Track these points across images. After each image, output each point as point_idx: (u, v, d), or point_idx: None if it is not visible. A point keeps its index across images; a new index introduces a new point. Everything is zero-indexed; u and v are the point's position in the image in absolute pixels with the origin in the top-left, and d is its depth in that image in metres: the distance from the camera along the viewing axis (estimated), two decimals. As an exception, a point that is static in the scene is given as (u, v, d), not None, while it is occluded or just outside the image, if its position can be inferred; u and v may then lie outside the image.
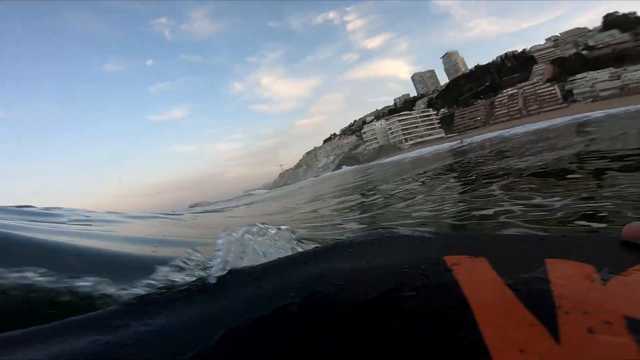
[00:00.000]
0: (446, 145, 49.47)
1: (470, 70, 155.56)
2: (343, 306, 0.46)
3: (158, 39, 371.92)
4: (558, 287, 0.39)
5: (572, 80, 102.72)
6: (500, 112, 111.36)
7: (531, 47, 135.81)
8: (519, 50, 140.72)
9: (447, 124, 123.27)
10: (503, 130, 49.73)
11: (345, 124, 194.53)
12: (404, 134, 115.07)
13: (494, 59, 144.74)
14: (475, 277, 0.45)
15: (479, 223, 2.80)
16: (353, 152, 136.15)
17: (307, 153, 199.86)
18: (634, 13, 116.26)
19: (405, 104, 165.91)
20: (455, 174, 7.21)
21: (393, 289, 0.46)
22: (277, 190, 59.11)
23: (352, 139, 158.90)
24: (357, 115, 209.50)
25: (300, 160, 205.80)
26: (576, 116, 37.21)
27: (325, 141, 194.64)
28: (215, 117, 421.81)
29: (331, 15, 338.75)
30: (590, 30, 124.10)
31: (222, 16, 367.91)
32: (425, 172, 9.77)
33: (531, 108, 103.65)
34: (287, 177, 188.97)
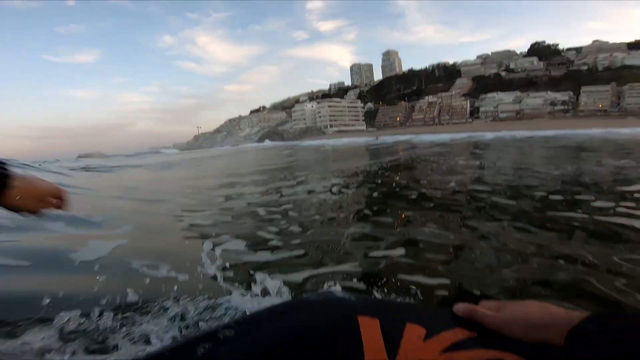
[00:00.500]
0: (362, 140, 52.91)
1: (404, 72, 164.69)
2: None
3: None
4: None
5: (483, 97, 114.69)
6: (417, 117, 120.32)
7: (461, 62, 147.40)
8: (450, 62, 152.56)
9: (370, 118, 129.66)
10: (413, 135, 54.69)
11: (277, 99, 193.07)
12: (330, 120, 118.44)
13: (426, 66, 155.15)
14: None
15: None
16: (279, 127, 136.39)
17: (230, 120, 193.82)
18: (557, 45, 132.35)
19: (339, 92, 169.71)
20: (369, 185, 7.17)
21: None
22: (190, 153, 55.25)
23: (282, 115, 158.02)
24: (291, 92, 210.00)
25: (221, 125, 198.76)
26: (473, 134, 42.16)
27: (252, 112, 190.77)
28: (129, 66, 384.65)
29: None
30: (517, 54, 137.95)
31: None
32: (342, 172, 9.94)
33: (443, 118, 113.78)
34: (203, 140, 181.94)
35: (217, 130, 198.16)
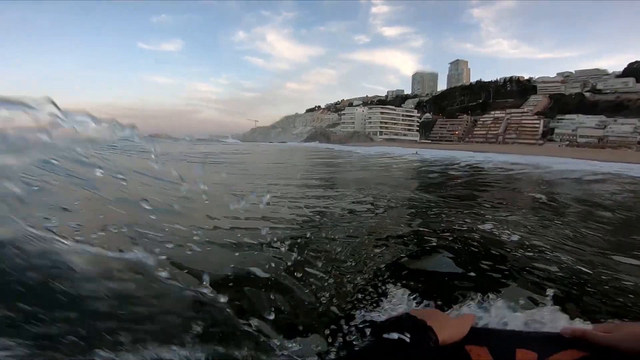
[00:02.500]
0: (397, 151, 45.02)
1: (470, 83, 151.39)
2: None
3: None
4: None
5: (559, 118, 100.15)
6: (478, 132, 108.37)
7: (538, 77, 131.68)
8: (526, 77, 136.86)
9: (426, 129, 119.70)
10: (469, 152, 46.18)
11: (333, 101, 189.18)
12: (380, 127, 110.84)
13: (497, 78, 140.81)
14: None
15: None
16: (326, 129, 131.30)
17: (287, 117, 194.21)
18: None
19: (396, 100, 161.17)
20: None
21: None
22: (250, 145, 58.69)
23: (334, 116, 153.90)
24: (347, 95, 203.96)
25: (277, 121, 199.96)
26: (544, 161, 33.11)
27: (308, 110, 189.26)
28: (205, 58, 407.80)
29: None
30: (607, 74, 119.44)
31: None
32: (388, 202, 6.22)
33: (509, 136, 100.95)
34: (259, 133, 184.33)
35: (273, 126, 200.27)
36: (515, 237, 3.82)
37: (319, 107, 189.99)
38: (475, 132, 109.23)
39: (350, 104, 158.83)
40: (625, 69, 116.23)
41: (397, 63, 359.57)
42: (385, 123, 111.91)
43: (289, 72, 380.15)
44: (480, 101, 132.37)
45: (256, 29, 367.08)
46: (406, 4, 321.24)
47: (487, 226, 4.33)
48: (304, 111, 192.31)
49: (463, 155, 35.41)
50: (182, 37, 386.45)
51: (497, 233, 4.02)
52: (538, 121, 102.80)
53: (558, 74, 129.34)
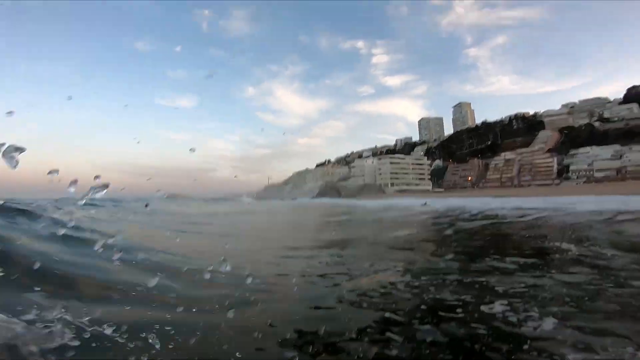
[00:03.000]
0: (405, 202, 43.73)
1: (476, 125, 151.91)
2: None
3: (195, 29, 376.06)
4: None
5: (573, 154, 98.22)
6: (492, 177, 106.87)
7: (544, 112, 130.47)
8: (531, 112, 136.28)
9: (437, 176, 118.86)
10: (483, 199, 44.54)
11: (342, 153, 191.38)
12: (391, 178, 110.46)
13: (502, 117, 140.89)
14: None
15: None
16: (337, 183, 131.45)
17: (298, 173, 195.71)
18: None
19: (405, 147, 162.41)
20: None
21: None
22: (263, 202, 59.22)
23: (345, 170, 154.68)
24: (356, 147, 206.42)
25: (289, 177, 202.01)
26: (561, 203, 30.00)
27: (318, 165, 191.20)
28: (219, 114, 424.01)
29: (359, 44, 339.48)
30: (609, 101, 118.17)
31: (259, 19, 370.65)
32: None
33: (524, 178, 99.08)
34: (271, 191, 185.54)
35: (285, 182, 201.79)
36: (548, 325, 2.62)
37: (329, 160, 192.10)
38: (489, 177, 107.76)
39: (359, 155, 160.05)
40: (625, 94, 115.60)
41: (403, 110, 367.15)
42: (396, 173, 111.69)
43: (299, 127, 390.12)
44: (489, 143, 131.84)
45: (264, 83, 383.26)
46: (404, 52, 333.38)
47: (498, 307, 3.10)
48: (314, 166, 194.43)
49: (476, 204, 33.85)
50: (195, 92, 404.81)
51: (514, 320, 2.80)
52: (551, 159, 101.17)
53: (563, 106, 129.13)
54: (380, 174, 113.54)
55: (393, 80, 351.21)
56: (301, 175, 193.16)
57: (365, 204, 50.71)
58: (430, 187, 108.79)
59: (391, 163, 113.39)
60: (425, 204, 36.86)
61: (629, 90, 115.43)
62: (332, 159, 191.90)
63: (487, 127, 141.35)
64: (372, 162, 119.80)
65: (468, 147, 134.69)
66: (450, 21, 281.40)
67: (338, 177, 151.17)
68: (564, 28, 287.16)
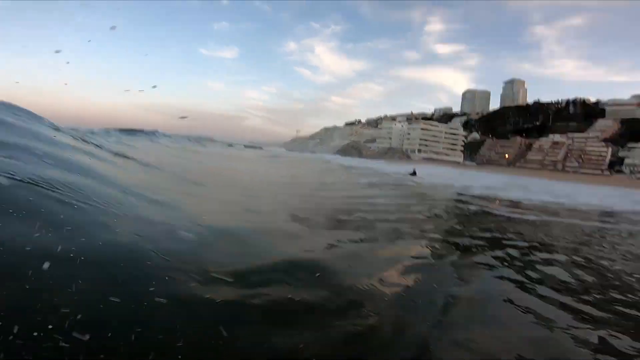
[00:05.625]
0: (403, 170, 35.79)
1: (527, 104, 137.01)
2: None
3: None
4: None
5: (631, 147, 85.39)
6: (533, 157, 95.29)
7: (608, 100, 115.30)
8: (593, 99, 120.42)
9: (471, 150, 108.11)
10: (511, 177, 36.78)
11: (374, 116, 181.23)
12: (420, 144, 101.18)
13: (558, 99, 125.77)
14: None
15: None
16: (362, 144, 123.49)
17: (326, 129, 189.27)
18: None
19: (443, 117, 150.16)
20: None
21: None
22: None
23: (373, 131, 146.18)
24: (391, 112, 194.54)
25: (316, 133, 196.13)
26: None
27: (347, 124, 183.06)
28: (257, 67, 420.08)
29: (414, 13, 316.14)
30: None
31: None
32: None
33: (570, 164, 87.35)
34: (299, 143, 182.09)
35: (312, 137, 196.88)
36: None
37: (359, 121, 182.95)
38: (529, 158, 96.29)
39: (393, 119, 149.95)
40: None
41: (449, 81, 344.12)
42: (426, 140, 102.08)
43: (334, 85, 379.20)
44: (538, 123, 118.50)
45: (306, 40, 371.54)
46: (462, 22, 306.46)
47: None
48: (344, 124, 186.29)
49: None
50: (238, 44, 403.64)
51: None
52: (605, 149, 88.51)
53: (633, 97, 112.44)
54: (409, 138, 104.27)
55: (444, 49, 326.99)
56: (329, 132, 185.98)
57: (352, 163, 44.70)
58: (461, 160, 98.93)
59: (422, 129, 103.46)
60: (413, 172, 27.86)
61: None
62: (363, 120, 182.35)
63: (538, 107, 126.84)
64: (402, 126, 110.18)
65: (513, 125, 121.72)
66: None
67: (366, 138, 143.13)
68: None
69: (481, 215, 9.60)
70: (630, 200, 19.96)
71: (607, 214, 13.72)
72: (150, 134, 30.49)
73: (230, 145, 63.70)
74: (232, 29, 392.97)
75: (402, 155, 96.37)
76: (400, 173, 28.01)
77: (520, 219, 9.30)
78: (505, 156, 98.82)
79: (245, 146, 70.13)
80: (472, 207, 10.83)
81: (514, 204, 13.37)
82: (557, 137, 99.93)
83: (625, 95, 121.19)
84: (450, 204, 12.18)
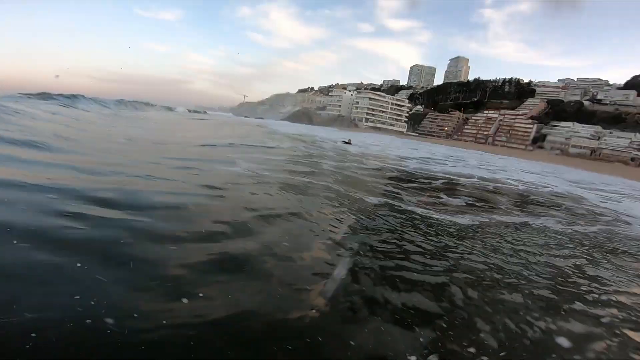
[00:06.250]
0: (339, 137, 36.73)
1: (468, 80, 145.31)
2: None
3: None
4: None
5: (554, 125, 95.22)
6: (469, 131, 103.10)
7: (538, 81, 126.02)
8: (526, 80, 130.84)
9: (414, 121, 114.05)
10: (439, 147, 40.46)
11: (327, 84, 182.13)
12: (367, 113, 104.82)
13: (496, 77, 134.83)
14: None
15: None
16: (313, 111, 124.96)
17: (277, 95, 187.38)
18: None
19: (390, 89, 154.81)
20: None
21: None
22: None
23: (325, 99, 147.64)
24: (342, 81, 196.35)
25: (267, 99, 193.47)
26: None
27: (300, 91, 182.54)
28: (204, 29, 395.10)
29: None
30: (609, 85, 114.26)
31: None
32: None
33: (499, 139, 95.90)
34: (246, 109, 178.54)
35: (262, 102, 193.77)
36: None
37: (312, 88, 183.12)
38: (465, 131, 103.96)
39: (343, 88, 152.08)
40: (627, 81, 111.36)
41: (398, 55, 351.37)
42: (373, 110, 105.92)
43: (288, 51, 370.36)
44: (475, 99, 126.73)
45: (262, 5, 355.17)
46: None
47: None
48: (296, 91, 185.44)
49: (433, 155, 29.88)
50: (181, 6, 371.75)
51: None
52: (531, 126, 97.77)
53: (559, 80, 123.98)
54: (357, 107, 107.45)
55: (396, 24, 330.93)
56: (280, 98, 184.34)
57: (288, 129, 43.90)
58: (404, 130, 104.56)
59: (370, 99, 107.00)
60: (348, 141, 28.20)
61: (634, 77, 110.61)
62: (316, 87, 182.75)
63: (478, 84, 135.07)
64: (352, 95, 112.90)
65: (453, 100, 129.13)
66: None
67: (318, 105, 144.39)
68: (591, 6, 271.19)
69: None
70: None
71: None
72: (70, 98, 27.72)
73: (170, 109, 60.40)
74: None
75: (351, 123, 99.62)
76: (336, 141, 28.99)
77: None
78: (444, 128, 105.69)
79: (189, 111, 66.79)
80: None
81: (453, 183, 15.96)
82: (491, 113, 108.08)
83: (553, 78, 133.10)
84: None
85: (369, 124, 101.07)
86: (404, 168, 15.67)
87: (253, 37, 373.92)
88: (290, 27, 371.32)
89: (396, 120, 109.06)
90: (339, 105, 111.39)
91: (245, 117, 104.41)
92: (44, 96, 25.77)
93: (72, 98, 28.20)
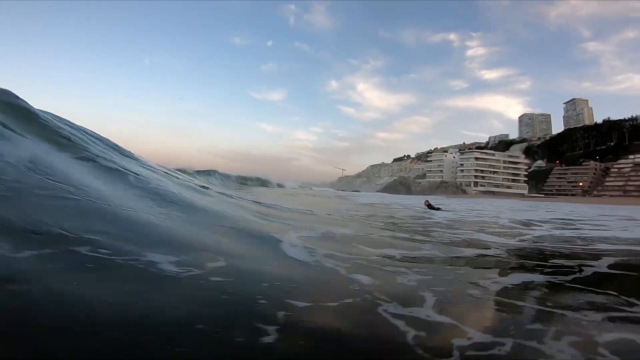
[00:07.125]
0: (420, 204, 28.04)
1: (596, 123, 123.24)
2: None
3: (282, 23, 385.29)
4: None
5: None
6: (613, 183, 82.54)
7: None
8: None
9: (537, 179, 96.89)
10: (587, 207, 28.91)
11: (423, 150, 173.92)
12: (476, 176, 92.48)
13: (632, 115, 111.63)
14: None
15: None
16: (412, 180, 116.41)
17: (373, 166, 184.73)
18: None
19: (499, 145, 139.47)
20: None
21: None
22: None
23: (424, 165, 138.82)
24: (440, 144, 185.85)
25: (363, 171, 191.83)
26: None
27: (395, 160, 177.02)
28: (304, 106, 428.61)
29: (451, 36, 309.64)
30: None
31: (338, 13, 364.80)
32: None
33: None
34: (345, 182, 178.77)
35: (358, 175, 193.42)
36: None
37: (408, 156, 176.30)
38: (608, 184, 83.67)
39: (444, 151, 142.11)
40: None
41: (501, 106, 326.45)
42: (482, 171, 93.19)
43: (380, 121, 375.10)
44: (612, 144, 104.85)
45: (346, 77, 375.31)
46: (503, 45, 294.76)
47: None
48: (391, 160, 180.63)
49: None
50: (285, 85, 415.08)
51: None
52: None
53: None
54: (462, 170, 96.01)
55: (491, 74, 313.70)
56: (375, 169, 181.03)
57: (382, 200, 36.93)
58: (526, 191, 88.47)
59: (476, 159, 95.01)
60: (426, 204, 15.66)
61: None
62: (413, 155, 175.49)
63: (610, 125, 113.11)
64: (453, 157, 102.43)
65: (583, 148, 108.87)
66: (560, 13, 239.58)
67: (416, 173, 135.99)
68: None
69: None
70: None
71: None
72: (209, 174, 35.73)
73: (280, 185, 63.91)
74: (277, 69, 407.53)
75: (457, 189, 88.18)
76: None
77: None
78: (579, 184, 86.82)
79: (299, 187, 69.85)
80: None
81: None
82: (638, 158, 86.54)
83: None
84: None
85: (480, 188, 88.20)
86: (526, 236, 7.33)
87: (345, 110, 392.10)
88: (378, 97, 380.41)
89: (513, 180, 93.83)
90: (441, 171, 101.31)
91: (343, 190, 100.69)
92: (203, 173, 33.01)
93: (211, 174, 36.34)
